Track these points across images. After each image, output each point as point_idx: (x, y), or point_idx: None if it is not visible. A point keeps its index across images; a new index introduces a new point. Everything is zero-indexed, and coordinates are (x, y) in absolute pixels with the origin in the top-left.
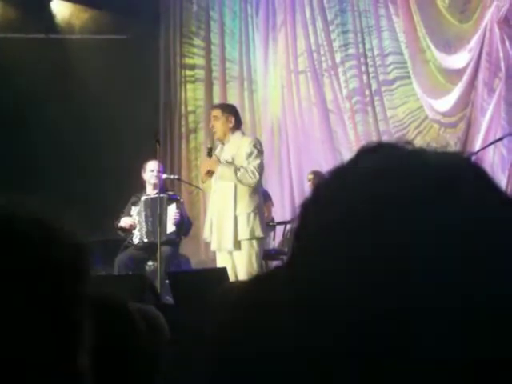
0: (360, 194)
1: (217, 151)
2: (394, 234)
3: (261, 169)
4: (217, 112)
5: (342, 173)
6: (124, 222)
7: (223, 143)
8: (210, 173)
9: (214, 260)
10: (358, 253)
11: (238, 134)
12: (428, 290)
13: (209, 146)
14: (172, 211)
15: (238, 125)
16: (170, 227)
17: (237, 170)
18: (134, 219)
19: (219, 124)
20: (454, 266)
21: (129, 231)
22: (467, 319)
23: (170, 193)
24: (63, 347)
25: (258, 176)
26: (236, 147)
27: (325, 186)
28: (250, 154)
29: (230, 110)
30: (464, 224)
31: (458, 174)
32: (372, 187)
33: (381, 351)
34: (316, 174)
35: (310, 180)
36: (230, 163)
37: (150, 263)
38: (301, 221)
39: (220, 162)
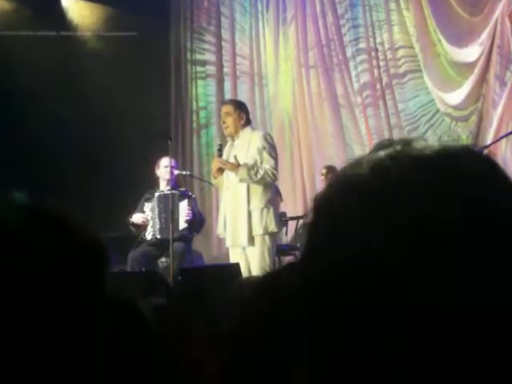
0: (372, 189)
1: (226, 147)
2: (403, 227)
3: (277, 166)
4: (228, 108)
5: (355, 169)
6: (136, 217)
7: (233, 139)
8: (221, 170)
9: (227, 255)
10: (370, 245)
11: (247, 129)
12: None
13: (219, 142)
14: (183, 208)
15: (248, 121)
16: (182, 224)
17: (257, 172)
18: (146, 215)
19: (231, 120)
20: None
21: (141, 227)
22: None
23: (182, 189)
24: (79, 349)
25: (276, 175)
26: (247, 142)
27: (339, 182)
28: (262, 149)
29: (242, 107)
30: (476, 216)
31: (470, 166)
32: (383, 182)
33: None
34: (330, 168)
35: (323, 175)
36: (250, 166)
37: (162, 259)
38: (314, 215)
39: (239, 164)
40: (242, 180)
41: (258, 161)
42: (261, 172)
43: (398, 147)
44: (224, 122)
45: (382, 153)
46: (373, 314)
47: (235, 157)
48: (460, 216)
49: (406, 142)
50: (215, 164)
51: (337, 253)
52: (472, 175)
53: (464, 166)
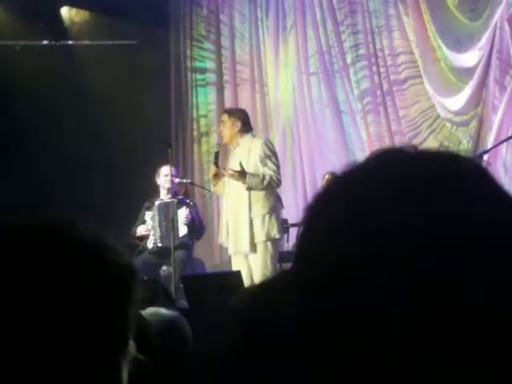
0: (362, 194)
1: (229, 155)
2: (393, 232)
3: (279, 172)
4: (224, 117)
5: (348, 176)
6: (140, 230)
7: (233, 148)
8: (217, 176)
9: (229, 263)
10: (358, 251)
11: (247, 136)
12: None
13: (215, 150)
14: (182, 213)
15: (246, 129)
16: (182, 229)
17: (264, 179)
18: (147, 225)
19: (226, 129)
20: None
21: (145, 240)
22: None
23: (180, 197)
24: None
25: (281, 181)
26: (247, 150)
27: (332, 188)
28: (265, 157)
29: (237, 115)
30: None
31: (458, 171)
32: (374, 188)
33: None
34: (333, 175)
35: (326, 180)
36: (256, 173)
37: (164, 268)
38: (306, 222)
39: (246, 172)
40: (249, 188)
41: (261, 168)
42: (267, 179)
43: (389, 154)
44: (221, 131)
45: (372, 160)
46: (366, 314)
47: (240, 163)
48: (446, 223)
49: (399, 151)
50: (211, 171)
51: (326, 259)
52: (462, 180)
53: (459, 170)
